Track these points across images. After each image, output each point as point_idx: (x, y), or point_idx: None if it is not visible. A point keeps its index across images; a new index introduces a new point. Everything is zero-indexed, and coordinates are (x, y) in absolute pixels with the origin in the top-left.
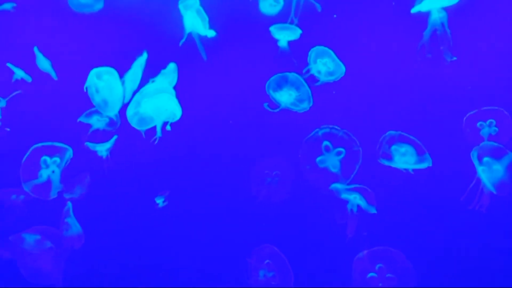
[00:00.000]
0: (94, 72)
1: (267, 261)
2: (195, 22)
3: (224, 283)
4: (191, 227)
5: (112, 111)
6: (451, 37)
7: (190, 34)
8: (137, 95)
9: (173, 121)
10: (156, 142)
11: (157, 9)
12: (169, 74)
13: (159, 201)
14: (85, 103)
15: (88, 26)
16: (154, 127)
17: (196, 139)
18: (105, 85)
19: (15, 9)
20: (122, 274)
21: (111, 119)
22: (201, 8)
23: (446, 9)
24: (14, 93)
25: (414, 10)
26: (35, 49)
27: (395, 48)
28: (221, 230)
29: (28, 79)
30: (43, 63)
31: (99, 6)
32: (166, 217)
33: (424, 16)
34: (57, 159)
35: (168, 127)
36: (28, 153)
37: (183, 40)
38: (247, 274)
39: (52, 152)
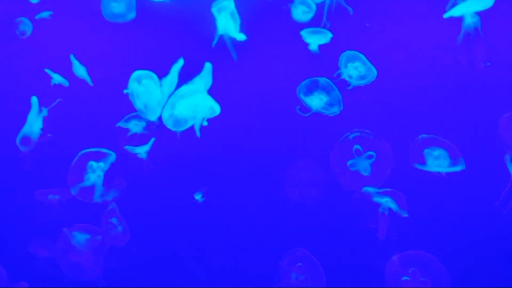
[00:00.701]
0: (134, 76)
1: (299, 264)
2: (228, 24)
3: (256, 285)
4: (224, 230)
5: (154, 115)
6: (484, 42)
7: (221, 37)
8: (172, 98)
9: (213, 116)
10: (198, 136)
11: (187, 16)
12: (206, 76)
13: (198, 197)
14: (120, 107)
15: (121, 34)
16: (189, 128)
17: (229, 142)
18: (144, 89)
19: (52, 17)
20: (159, 270)
21: (148, 123)
22: (235, 10)
23: (479, 13)
24: (55, 102)
25: (447, 15)
26: (72, 57)
27: (427, 52)
28: (254, 233)
29: (65, 83)
30: (79, 70)
31: (131, 15)
32: (199, 222)
33: (457, 21)
34: (102, 164)
35: (205, 123)
36: (76, 158)
37: (215, 42)
38: (279, 277)
39: (98, 157)
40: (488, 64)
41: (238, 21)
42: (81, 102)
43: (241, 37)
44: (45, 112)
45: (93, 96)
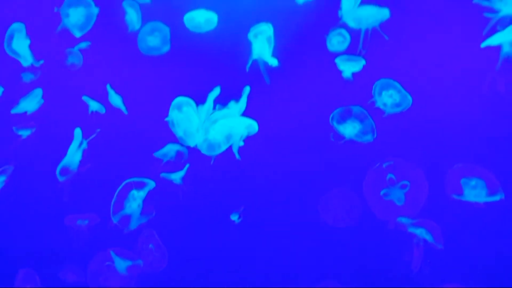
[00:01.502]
0: (174, 104)
1: None
2: (263, 49)
3: None
4: (257, 256)
5: (192, 142)
6: None
7: (255, 61)
8: (205, 122)
9: (252, 133)
10: (238, 158)
11: (218, 46)
12: (242, 100)
13: (235, 218)
14: (154, 135)
15: (156, 66)
16: (224, 152)
17: (262, 168)
18: (184, 117)
19: (90, 49)
20: None
21: (181, 150)
22: (272, 36)
23: None
24: (94, 134)
25: (484, 44)
26: (108, 87)
27: (464, 80)
28: (286, 260)
29: (102, 110)
30: (115, 99)
31: (166, 48)
32: (234, 246)
33: (495, 50)
34: (142, 193)
35: (241, 143)
36: (120, 187)
37: (248, 66)
38: None
39: (139, 186)
40: None
41: (272, 46)
42: (116, 130)
43: (273, 62)
44: (85, 144)
45: (128, 124)
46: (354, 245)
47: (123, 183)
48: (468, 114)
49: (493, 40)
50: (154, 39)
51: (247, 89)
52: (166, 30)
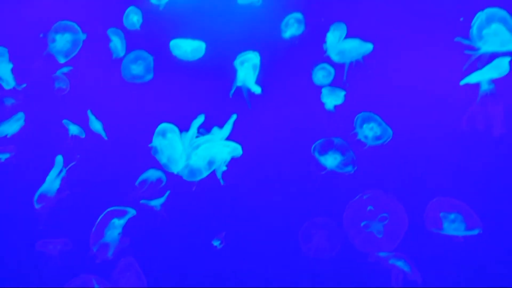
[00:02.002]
0: (159, 130)
1: None
2: (247, 76)
3: None
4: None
5: (177, 167)
6: (500, 108)
7: (239, 88)
8: (187, 149)
9: (237, 156)
10: (222, 183)
11: (202, 74)
12: (226, 127)
13: (216, 243)
14: (134, 162)
15: (139, 93)
16: (205, 179)
17: (244, 196)
18: (168, 143)
19: (73, 73)
20: None
21: (159, 177)
22: (257, 64)
23: (495, 81)
24: (73, 162)
25: (463, 82)
26: (89, 112)
27: (443, 116)
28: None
29: (82, 134)
30: (95, 125)
31: (149, 77)
32: (216, 274)
33: (474, 87)
34: (122, 221)
35: (224, 168)
36: (101, 216)
37: (232, 92)
38: None
39: (120, 214)
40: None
41: (257, 74)
42: (96, 156)
43: (256, 89)
44: (64, 172)
45: (108, 150)
46: (333, 276)
47: (105, 212)
48: (448, 149)
49: (472, 78)
50: (138, 67)
51: (233, 117)
52: (149, 58)
